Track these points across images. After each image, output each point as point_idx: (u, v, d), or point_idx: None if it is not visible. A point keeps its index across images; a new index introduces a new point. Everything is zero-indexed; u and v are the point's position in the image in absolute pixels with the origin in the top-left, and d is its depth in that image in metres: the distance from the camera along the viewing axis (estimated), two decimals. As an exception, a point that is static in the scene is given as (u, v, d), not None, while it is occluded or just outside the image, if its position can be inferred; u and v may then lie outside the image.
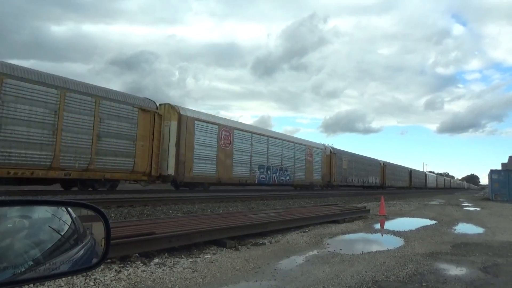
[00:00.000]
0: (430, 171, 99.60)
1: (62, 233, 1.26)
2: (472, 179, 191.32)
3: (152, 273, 3.79)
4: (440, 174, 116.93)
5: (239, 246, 5.43)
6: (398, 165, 57.76)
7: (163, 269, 3.96)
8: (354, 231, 7.77)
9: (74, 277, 3.33)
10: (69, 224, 1.30)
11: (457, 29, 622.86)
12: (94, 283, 3.33)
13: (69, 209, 1.34)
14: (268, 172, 24.23)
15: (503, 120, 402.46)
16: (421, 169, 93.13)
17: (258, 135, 23.67)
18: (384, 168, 48.80)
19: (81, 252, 1.28)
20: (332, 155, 33.74)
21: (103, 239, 1.36)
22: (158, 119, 16.36)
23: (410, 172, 61.62)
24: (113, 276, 3.56)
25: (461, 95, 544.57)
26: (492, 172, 30.05)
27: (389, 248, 5.84)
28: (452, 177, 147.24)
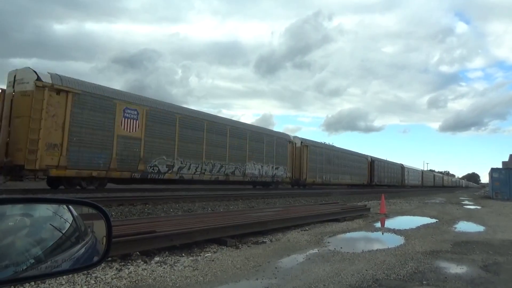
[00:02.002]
0: (431, 170, 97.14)
1: (64, 231, 1.26)
2: (473, 177, 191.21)
3: (153, 271, 3.79)
4: (441, 172, 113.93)
5: (240, 245, 5.44)
6: (344, 150, 36.60)
7: (164, 268, 3.96)
8: (355, 230, 7.77)
9: (75, 275, 3.34)
10: (71, 222, 1.31)
11: (461, 27, 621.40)
12: (95, 281, 3.34)
13: (70, 207, 1.34)
14: None
15: (506, 119, 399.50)
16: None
17: None
18: (302, 151, 26.90)
19: (82, 250, 1.28)
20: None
21: (105, 237, 1.36)
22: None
23: (372, 162, 42.46)
24: (114, 275, 3.57)
25: (464, 93, 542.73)
26: (493, 170, 30.05)
27: (389, 247, 5.85)
28: (453, 175, 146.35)
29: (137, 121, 15.07)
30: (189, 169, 17.31)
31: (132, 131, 14.87)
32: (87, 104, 13.32)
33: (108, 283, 3.34)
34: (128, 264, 4.00)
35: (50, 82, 12.17)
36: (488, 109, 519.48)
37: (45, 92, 11.93)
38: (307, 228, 7.35)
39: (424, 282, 3.85)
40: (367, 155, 43.26)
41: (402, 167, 55.60)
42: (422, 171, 71.74)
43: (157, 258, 4.32)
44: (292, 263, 4.55)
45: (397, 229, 7.90)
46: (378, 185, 43.84)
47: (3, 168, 11.60)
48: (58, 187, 13.46)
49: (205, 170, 18.14)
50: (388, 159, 52.50)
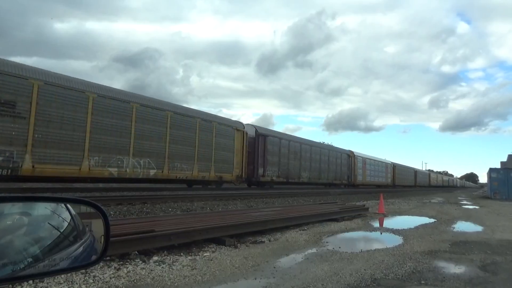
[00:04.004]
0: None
1: (62, 230, 1.26)
2: (471, 177, 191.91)
3: (151, 270, 3.79)
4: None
5: (238, 244, 5.44)
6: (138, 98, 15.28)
7: (162, 267, 3.96)
8: (353, 229, 7.78)
9: (74, 274, 3.33)
10: (69, 221, 1.30)
11: (462, 28, 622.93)
12: (93, 280, 3.33)
13: (68, 206, 1.34)
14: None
15: (507, 119, 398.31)
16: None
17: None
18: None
19: (81, 249, 1.28)
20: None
21: (103, 236, 1.36)
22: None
23: (257, 138, 22.24)
24: (112, 274, 3.56)
25: (465, 93, 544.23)
26: (491, 170, 30.12)
27: (388, 246, 5.85)
28: (451, 175, 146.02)
29: None
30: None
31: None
32: None
33: (107, 282, 3.33)
34: (127, 263, 4.00)
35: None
36: (489, 109, 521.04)
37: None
38: (305, 228, 7.35)
39: (423, 282, 3.86)
40: (239, 123, 21.38)
41: (350, 155, 35.67)
42: (394, 165, 50.22)
43: (155, 258, 4.32)
44: (291, 262, 4.55)
45: (396, 229, 7.91)
46: (278, 183, 23.95)
47: None
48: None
49: None
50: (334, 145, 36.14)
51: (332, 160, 31.97)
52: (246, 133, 21.28)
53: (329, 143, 40.71)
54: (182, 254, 4.64)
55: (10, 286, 2.23)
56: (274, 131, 25.97)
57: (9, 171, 10.72)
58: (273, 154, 23.51)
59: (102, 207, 1.37)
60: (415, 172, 61.63)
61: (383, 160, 46.95)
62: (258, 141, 22.22)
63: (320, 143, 32.91)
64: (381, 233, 7.61)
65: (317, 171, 29.18)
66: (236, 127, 20.72)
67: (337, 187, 31.72)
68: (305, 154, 27.53)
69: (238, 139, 20.57)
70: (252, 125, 22.85)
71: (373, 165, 42.04)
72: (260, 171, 22.14)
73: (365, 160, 39.47)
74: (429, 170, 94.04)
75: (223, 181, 19.47)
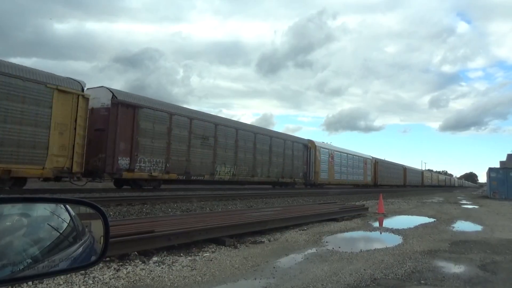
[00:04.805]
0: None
1: (61, 231, 1.26)
2: (471, 177, 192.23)
3: (151, 271, 3.79)
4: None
5: (238, 244, 5.44)
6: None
7: (162, 267, 3.96)
8: (353, 229, 7.78)
9: (73, 275, 3.33)
10: (68, 222, 1.30)
11: (462, 27, 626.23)
12: (93, 281, 3.33)
13: (68, 206, 1.34)
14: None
15: (507, 118, 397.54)
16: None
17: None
18: None
19: (80, 249, 1.28)
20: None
21: (102, 237, 1.36)
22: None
23: (115, 109, 13.47)
24: (112, 274, 3.56)
25: (465, 92, 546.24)
26: (491, 170, 30.14)
27: (387, 246, 5.85)
28: (451, 175, 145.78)
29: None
30: None
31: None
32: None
33: (106, 283, 3.33)
34: (126, 264, 4.00)
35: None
36: (489, 109, 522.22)
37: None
38: (305, 228, 7.35)
39: (422, 282, 3.86)
40: (66, 79, 12.22)
41: (308, 145, 27.37)
42: (375, 160, 42.13)
43: (155, 258, 4.32)
44: (291, 262, 4.55)
45: (395, 229, 7.92)
46: (168, 181, 16.53)
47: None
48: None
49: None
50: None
51: (278, 151, 23.11)
52: (86, 99, 12.64)
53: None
54: (181, 254, 4.64)
55: (10, 287, 2.23)
56: (160, 101, 16.55)
57: None
58: (154, 136, 15.05)
59: (101, 208, 1.37)
60: (404, 169, 53.53)
61: (361, 155, 38.14)
62: (118, 114, 13.62)
63: (257, 126, 23.21)
64: (380, 233, 7.62)
65: (249, 165, 20.37)
66: (57, 85, 11.73)
67: (290, 187, 24.56)
68: (226, 140, 18.88)
69: (64, 106, 11.93)
70: (107, 88, 14.09)
71: (345, 159, 33.54)
72: (123, 162, 13.85)
73: (333, 153, 30.94)
74: (428, 169, 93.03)
75: (17, 177, 11.06)
